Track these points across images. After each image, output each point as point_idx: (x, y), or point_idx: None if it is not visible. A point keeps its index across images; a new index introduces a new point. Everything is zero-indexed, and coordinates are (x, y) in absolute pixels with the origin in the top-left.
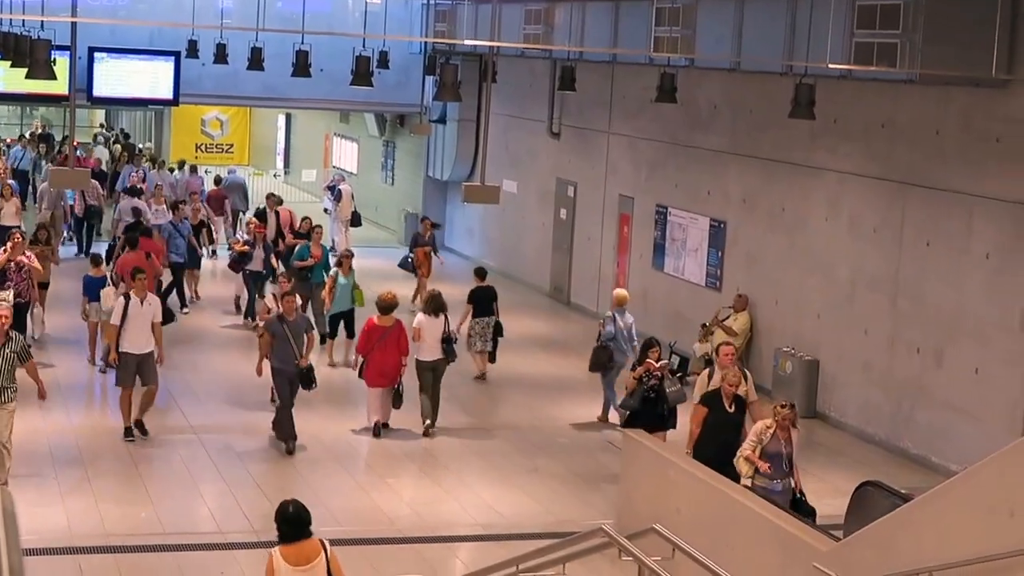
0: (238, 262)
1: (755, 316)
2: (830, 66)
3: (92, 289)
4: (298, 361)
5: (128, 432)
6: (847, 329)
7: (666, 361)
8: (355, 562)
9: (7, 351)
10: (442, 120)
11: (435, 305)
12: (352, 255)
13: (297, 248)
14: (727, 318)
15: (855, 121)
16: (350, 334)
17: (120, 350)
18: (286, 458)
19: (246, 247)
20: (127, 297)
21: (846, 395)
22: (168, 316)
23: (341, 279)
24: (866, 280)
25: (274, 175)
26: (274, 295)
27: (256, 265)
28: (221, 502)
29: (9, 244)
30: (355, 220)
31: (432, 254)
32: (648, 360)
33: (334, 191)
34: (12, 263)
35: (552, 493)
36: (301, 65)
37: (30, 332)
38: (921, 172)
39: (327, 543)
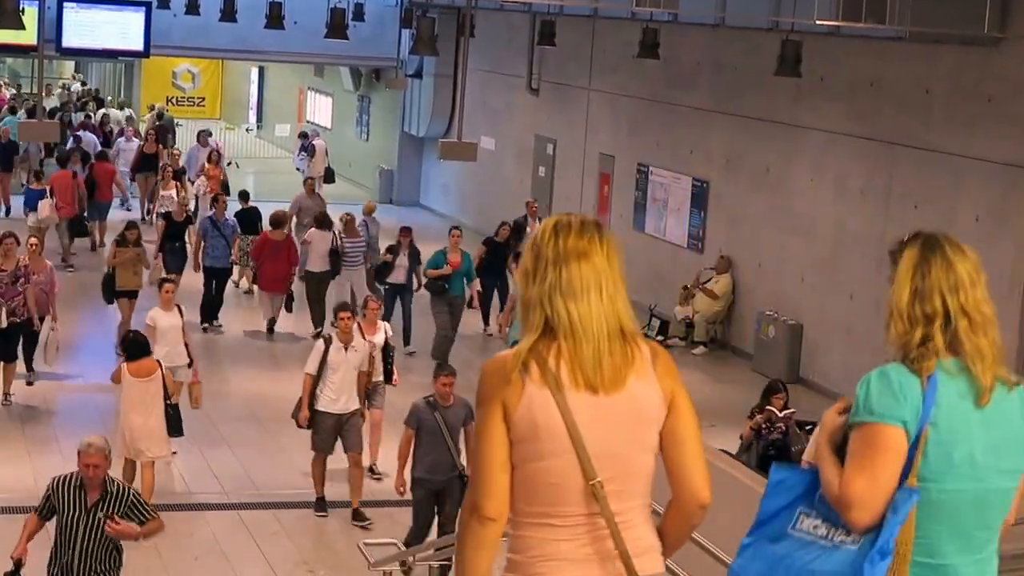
0: (380, 272)
1: (737, 279)
2: (817, 22)
3: (31, 200)
4: (457, 470)
5: (320, 505)
6: (831, 293)
7: (793, 410)
8: (327, 525)
9: (99, 513)
10: (418, 75)
11: (324, 221)
12: None
13: (432, 254)
14: (708, 280)
15: (842, 79)
16: None
17: (316, 407)
18: (256, 419)
19: (388, 255)
20: (327, 340)
21: (829, 360)
22: (82, 230)
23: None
24: (851, 243)
25: (246, 129)
26: (357, 319)
27: (399, 277)
28: (190, 463)
29: (0, 251)
30: (328, 176)
31: None
32: (769, 408)
33: (308, 148)
34: (6, 274)
35: None
36: (274, 17)
37: (38, 354)
38: (909, 132)
39: (162, 363)
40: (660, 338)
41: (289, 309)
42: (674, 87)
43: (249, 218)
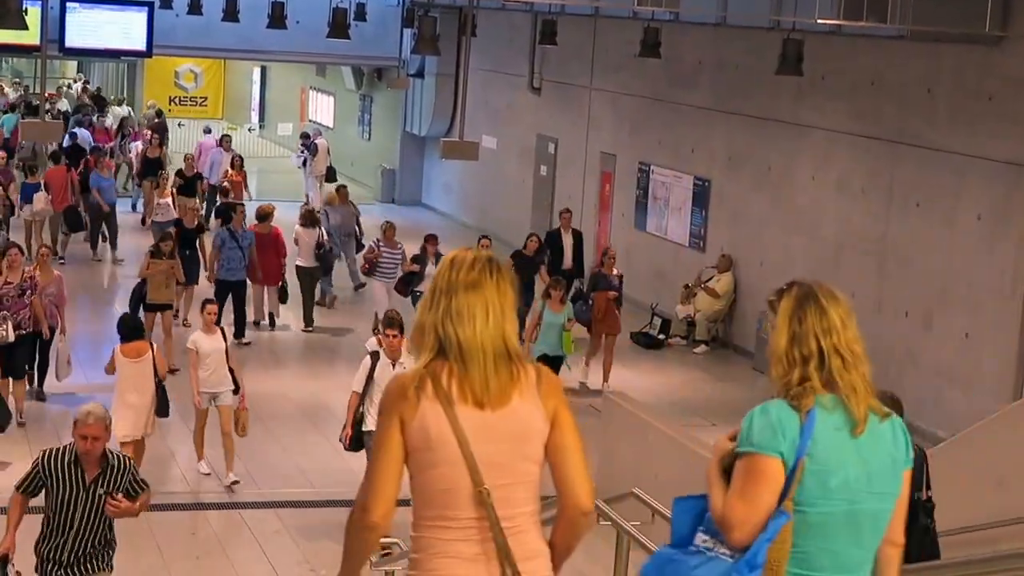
0: (406, 283)
1: (739, 277)
2: (819, 21)
3: (27, 193)
4: None
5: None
6: None
7: None
8: (327, 524)
9: (100, 490)
10: (420, 74)
11: (310, 218)
12: (563, 284)
13: None
14: (710, 279)
15: (844, 78)
16: None
17: (364, 428)
18: (258, 417)
19: (415, 265)
20: (374, 356)
21: None
22: (77, 222)
23: (549, 315)
24: (853, 241)
25: (248, 129)
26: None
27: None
28: (193, 462)
29: (5, 263)
30: (330, 175)
31: (618, 304)
32: None
33: (310, 147)
34: (12, 286)
35: None
36: (276, 16)
37: (51, 372)
38: (911, 131)
39: (154, 344)
40: (662, 336)
41: (283, 300)
42: (676, 86)
43: (227, 212)
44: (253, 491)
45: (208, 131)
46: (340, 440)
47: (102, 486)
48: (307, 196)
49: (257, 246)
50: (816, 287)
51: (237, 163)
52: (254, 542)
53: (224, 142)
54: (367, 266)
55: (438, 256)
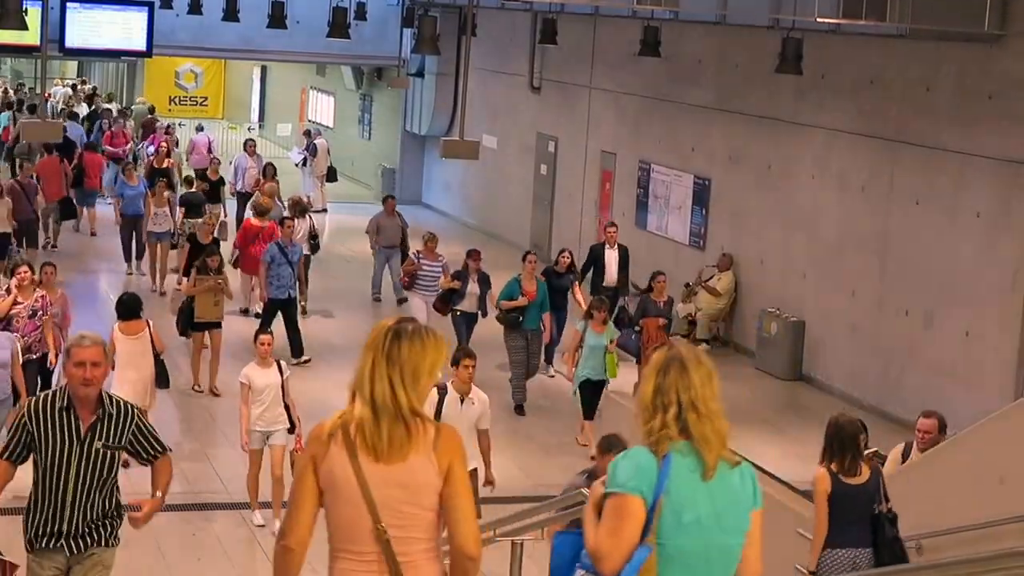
0: (445, 301)
1: (739, 276)
2: (818, 20)
3: None
4: None
5: None
6: (834, 290)
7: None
8: None
9: (97, 443)
10: (420, 73)
11: (300, 208)
12: (605, 304)
13: (506, 283)
14: (711, 278)
15: (844, 77)
16: (588, 414)
17: None
18: None
19: (455, 281)
20: (443, 391)
21: (832, 358)
22: (71, 211)
23: (591, 336)
24: (854, 240)
25: (248, 129)
26: None
27: (471, 305)
28: (194, 463)
29: (14, 282)
30: (331, 175)
31: (666, 328)
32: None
33: (310, 147)
34: (22, 307)
35: (532, 456)
36: (277, 16)
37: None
38: (911, 129)
39: (151, 322)
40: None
41: None
42: (675, 84)
43: (194, 202)
44: None
45: (200, 129)
46: None
47: (100, 438)
48: (307, 197)
49: (252, 237)
50: (685, 349)
51: (270, 171)
52: (256, 543)
53: (249, 147)
54: (406, 279)
55: (481, 273)
